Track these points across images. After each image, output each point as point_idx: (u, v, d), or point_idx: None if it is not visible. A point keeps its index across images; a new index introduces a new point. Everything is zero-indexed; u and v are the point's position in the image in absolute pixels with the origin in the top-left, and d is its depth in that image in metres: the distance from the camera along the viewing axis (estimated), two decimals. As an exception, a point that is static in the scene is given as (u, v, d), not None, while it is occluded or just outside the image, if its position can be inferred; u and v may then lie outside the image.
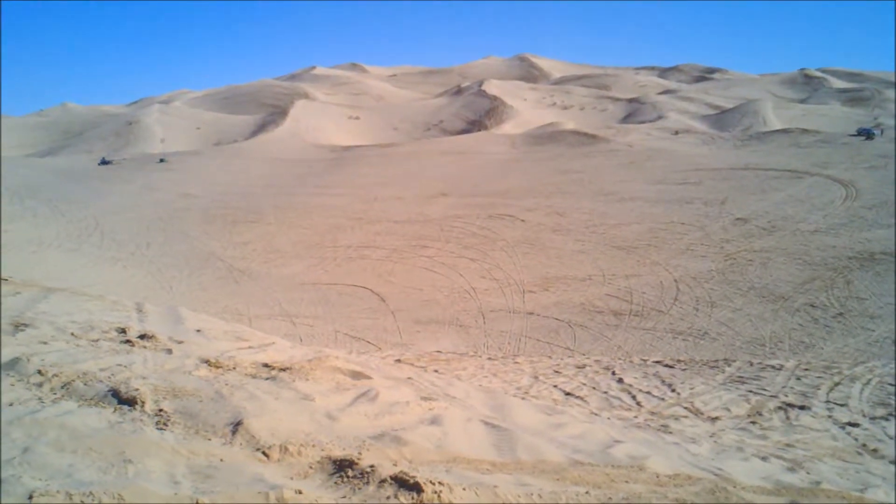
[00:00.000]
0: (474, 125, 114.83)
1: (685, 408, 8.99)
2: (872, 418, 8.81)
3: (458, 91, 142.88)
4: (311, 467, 3.59)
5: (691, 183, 49.82)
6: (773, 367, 11.96)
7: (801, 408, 9.11)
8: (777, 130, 73.52)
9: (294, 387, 5.04)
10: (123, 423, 3.90)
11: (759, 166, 54.61)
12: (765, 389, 10.13)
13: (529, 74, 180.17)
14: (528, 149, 75.25)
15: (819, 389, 10.20)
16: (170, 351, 5.86)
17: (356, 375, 5.74)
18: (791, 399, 9.59)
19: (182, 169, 77.42)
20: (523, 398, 8.84)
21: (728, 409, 8.96)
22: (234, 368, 5.41)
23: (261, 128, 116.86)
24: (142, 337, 6.26)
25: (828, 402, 9.55)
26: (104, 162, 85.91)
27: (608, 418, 8.00)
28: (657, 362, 12.62)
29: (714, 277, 28.71)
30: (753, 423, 8.35)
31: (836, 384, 10.55)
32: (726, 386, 10.37)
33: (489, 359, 12.94)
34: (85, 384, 4.54)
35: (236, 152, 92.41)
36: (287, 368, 5.54)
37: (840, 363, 13.20)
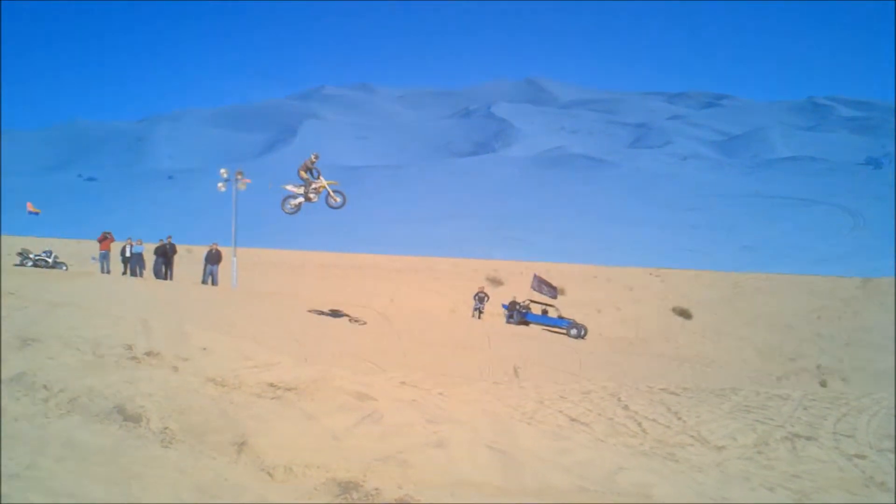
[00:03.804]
0: (482, 147, 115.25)
1: (691, 436, 8.91)
2: (879, 450, 8.72)
3: (467, 113, 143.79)
4: (315, 489, 3.58)
5: (699, 209, 49.72)
6: (779, 396, 11.86)
7: (808, 438, 9.02)
8: (785, 158, 73.54)
9: (299, 407, 5.03)
10: (128, 439, 3.90)
11: (766, 193, 54.51)
12: (771, 419, 10.04)
13: (538, 98, 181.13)
14: (536, 172, 75.32)
15: (826, 420, 10.10)
16: (175, 368, 5.86)
17: (361, 396, 5.72)
18: (798, 429, 9.49)
19: (190, 186, 77.80)
20: (528, 423, 8.78)
21: (734, 438, 8.88)
22: (240, 387, 5.41)
23: (270, 147, 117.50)
24: (148, 354, 6.27)
25: (834, 433, 9.46)
26: (89, 179, 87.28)
27: (614, 445, 7.94)
28: (663, 389, 12.53)
29: (721, 305, 28.57)
30: (760, 452, 8.26)
31: (843, 415, 10.44)
32: (732, 415, 10.28)
33: (494, 383, 12.87)
34: (90, 400, 4.54)
35: (245, 171, 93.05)
36: (292, 388, 5.53)
37: (847, 394, 13.07)
